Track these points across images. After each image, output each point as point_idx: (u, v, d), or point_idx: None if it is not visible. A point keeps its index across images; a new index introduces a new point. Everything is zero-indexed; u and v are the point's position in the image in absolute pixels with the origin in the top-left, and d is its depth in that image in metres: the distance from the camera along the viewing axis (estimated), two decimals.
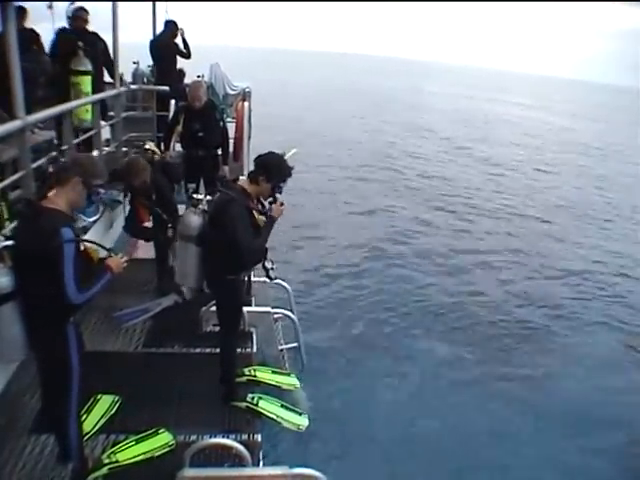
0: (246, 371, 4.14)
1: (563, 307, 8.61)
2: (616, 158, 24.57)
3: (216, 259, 3.44)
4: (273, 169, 3.37)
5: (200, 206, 3.63)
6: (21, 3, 5.18)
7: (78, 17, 5.68)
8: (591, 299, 9.06)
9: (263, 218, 3.41)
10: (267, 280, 4.64)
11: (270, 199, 3.50)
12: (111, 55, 5.94)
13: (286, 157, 3.53)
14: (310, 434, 3.86)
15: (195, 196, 3.77)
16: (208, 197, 3.73)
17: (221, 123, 5.75)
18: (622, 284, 9.88)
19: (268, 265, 3.60)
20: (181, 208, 5.95)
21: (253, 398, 3.79)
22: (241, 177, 5.79)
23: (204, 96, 5.53)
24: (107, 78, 6.15)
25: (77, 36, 5.38)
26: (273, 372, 4.34)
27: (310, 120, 25.22)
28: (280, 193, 3.48)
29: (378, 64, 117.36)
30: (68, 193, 2.53)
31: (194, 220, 3.55)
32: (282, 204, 3.50)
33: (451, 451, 5.05)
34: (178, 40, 7.02)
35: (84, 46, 5.10)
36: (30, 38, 5.15)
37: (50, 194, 2.54)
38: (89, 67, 5.14)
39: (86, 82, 5.10)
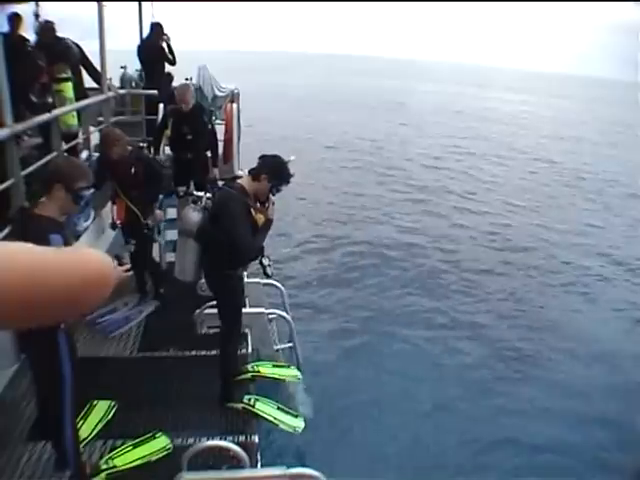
0: (249, 367, 4.17)
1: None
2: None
3: (215, 255, 3.51)
4: (276, 170, 3.48)
5: (200, 203, 3.77)
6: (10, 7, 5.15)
7: (48, 28, 5.64)
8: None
9: (261, 217, 3.49)
10: (260, 280, 4.66)
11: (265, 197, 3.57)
12: (90, 59, 5.93)
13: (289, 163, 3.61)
14: (307, 434, 3.87)
15: (195, 193, 3.86)
16: (208, 195, 3.83)
17: (209, 125, 5.76)
18: None
19: (265, 262, 3.71)
20: (171, 211, 5.96)
21: (250, 399, 3.80)
22: (240, 172, 5.85)
23: (192, 99, 5.54)
24: (88, 81, 6.10)
25: (51, 46, 5.36)
26: (274, 366, 4.38)
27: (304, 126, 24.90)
28: (274, 195, 3.57)
29: (366, 65, 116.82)
30: (54, 200, 2.55)
31: (194, 216, 3.68)
32: (273, 203, 3.58)
33: (450, 450, 5.05)
34: (164, 44, 6.99)
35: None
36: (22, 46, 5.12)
37: (40, 201, 2.57)
38: (69, 73, 5.19)
39: (68, 88, 5.15)
